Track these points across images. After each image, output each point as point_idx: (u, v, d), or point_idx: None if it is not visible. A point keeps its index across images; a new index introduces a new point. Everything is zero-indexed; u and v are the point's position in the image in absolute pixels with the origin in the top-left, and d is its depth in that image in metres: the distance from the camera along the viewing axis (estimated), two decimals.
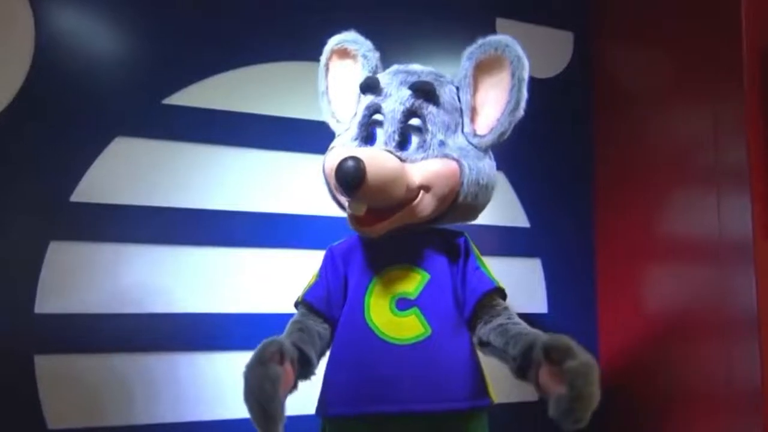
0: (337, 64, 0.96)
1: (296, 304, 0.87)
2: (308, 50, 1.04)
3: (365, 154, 0.75)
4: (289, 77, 1.24)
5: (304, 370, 0.76)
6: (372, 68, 0.93)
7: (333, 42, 0.96)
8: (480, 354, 0.83)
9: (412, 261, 0.83)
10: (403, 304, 0.79)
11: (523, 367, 0.72)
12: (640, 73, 1.40)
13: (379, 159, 0.76)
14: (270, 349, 0.67)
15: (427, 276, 0.81)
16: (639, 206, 1.38)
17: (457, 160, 0.82)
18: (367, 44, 0.94)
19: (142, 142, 1.14)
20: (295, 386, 0.73)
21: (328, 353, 0.83)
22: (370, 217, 0.79)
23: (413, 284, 0.81)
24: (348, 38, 0.95)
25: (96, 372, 1.06)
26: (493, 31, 1.49)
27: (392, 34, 1.31)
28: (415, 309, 0.79)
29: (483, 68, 0.85)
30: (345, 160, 0.73)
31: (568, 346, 0.63)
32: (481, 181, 0.83)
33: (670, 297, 1.28)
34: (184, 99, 1.17)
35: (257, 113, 1.22)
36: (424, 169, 0.81)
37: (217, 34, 1.21)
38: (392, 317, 0.79)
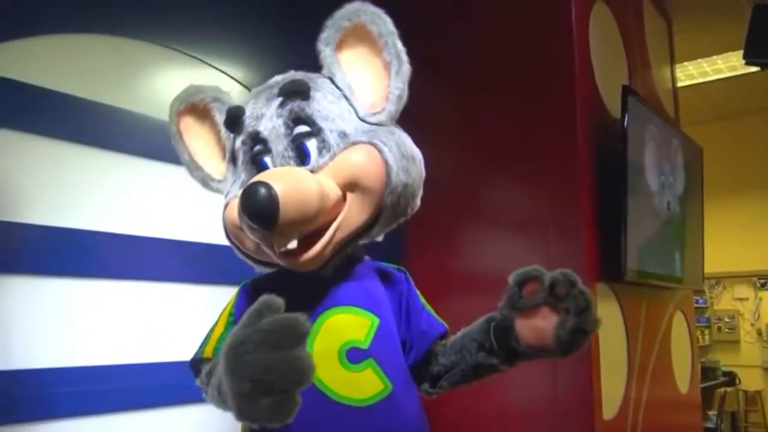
0: (189, 124, 0.83)
1: (194, 363, 0.73)
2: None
3: (271, 176, 0.64)
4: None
5: None
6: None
7: (175, 104, 0.82)
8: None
9: (356, 302, 0.72)
10: (355, 355, 0.69)
11: (500, 336, 0.72)
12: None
13: (289, 176, 0.65)
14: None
15: (376, 320, 0.71)
16: (444, 240, 1.47)
17: (370, 143, 0.71)
18: (212, 88, 0.83)
19: None
20: None
21: None
22: (301, 247, 0.68)
23: (363, 330, 0.70)
24: (189, 92, 0.82)
25: None
26: None
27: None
28: (370, 361, 0.69)
29: (345, 46, 0.75)
30: (251, 187, 0.61)
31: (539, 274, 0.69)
32: (405, 153, 0.73)
33: None
34: None
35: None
36: (338, 167, 0.70)
37: None
38: (345, 372, 0.68)
